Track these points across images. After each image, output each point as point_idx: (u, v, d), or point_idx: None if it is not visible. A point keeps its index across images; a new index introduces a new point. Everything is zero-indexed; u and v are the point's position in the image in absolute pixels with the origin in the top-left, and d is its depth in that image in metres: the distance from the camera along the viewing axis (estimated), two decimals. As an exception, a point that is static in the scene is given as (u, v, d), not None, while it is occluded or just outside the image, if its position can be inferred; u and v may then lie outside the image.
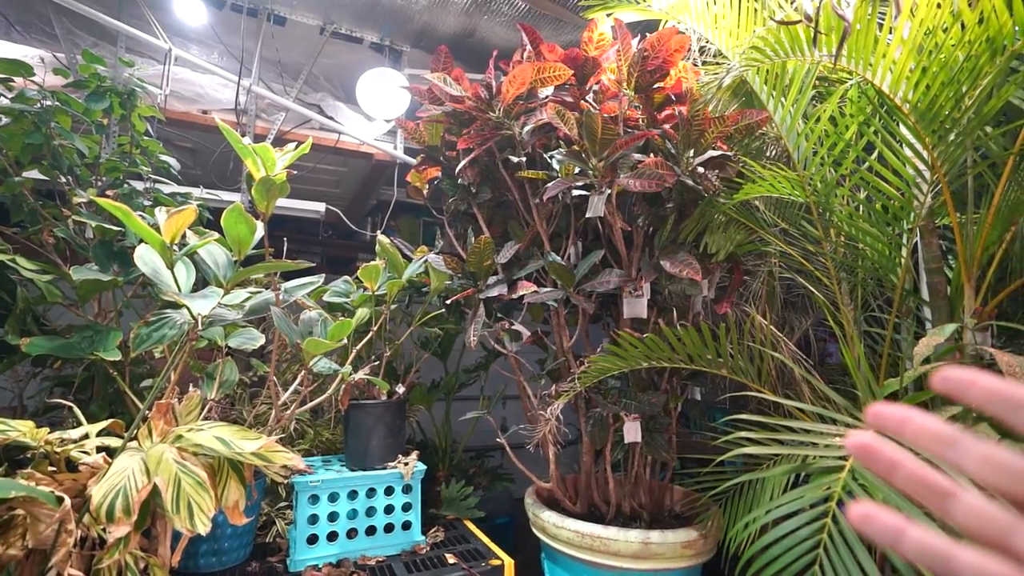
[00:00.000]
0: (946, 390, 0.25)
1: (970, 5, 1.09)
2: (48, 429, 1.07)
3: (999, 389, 0.24)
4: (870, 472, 0.26)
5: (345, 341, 1.37)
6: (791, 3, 1.39)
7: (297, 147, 1.23)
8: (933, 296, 1.31)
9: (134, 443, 1.10)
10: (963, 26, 1.09)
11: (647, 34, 1.46)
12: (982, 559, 0.23)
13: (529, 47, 1.61)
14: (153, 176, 1.77)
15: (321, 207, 2.65)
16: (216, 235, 1.20)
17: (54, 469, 1.06)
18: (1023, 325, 1.17)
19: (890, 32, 1.16)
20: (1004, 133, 1.26)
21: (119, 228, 1.45)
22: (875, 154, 1.31)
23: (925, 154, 1.19)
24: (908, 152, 1.24)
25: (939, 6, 1.11)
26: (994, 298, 1.23)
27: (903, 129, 1.24)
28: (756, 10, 1.46)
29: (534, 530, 1.69)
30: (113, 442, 1.11)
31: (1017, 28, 1.07)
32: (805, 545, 0.87)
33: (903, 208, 1.30)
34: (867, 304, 1.59)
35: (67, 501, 0.96)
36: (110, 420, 1.17)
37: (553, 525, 1.56)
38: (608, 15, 1.63)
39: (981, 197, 1.28)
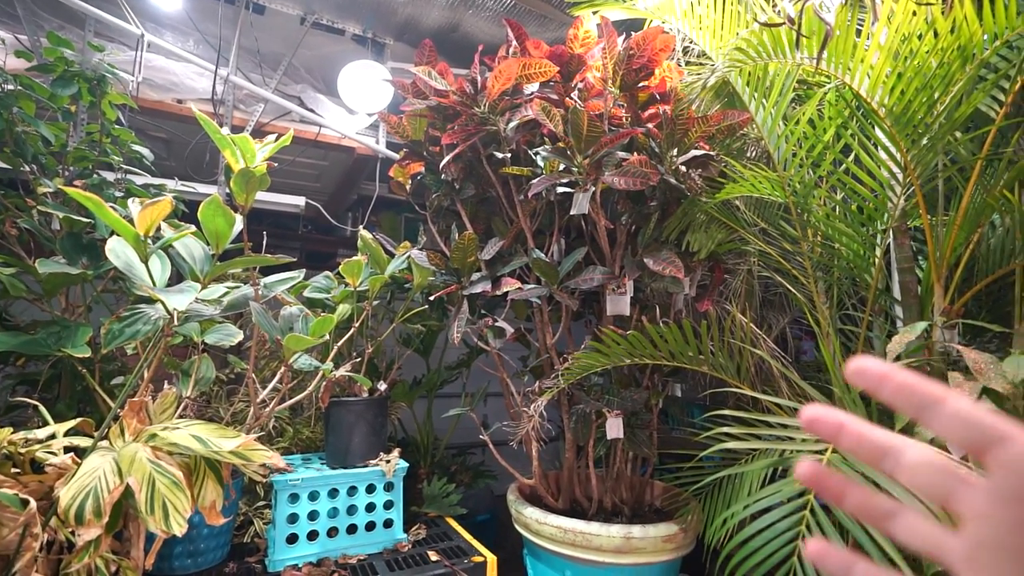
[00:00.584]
0: (861, 384, 0.26)
1: (943, 14, 1.13)
2: (11, 429, 1.03)
3: (910, 386, 0.24)
4: (824, 495, 0.28)
5: (327, 337, 1.35)
6: (773, 6, 1.42)
7: (277, 139, 1.20)
8: (904, 295, 1.35)
9: (105, 443, 1.06)
10: (936, 34, 1.13)
11: (632, 33, 1.47)
12: None
13: (515, 43, 1.60)
14: (125, 167, 1.71)
15: (301, 201, 2.60)
16: (193, 228, 1.17)
17: (18, 471, 1.02)
18: (988, 323, 1.22)
19: (868, 38, 1.19)
20: (972, 139, 1.31)
21: (88, 220, 1.39)
22: (852, 156, 1.34)
23: (899, 157, 1.23)
24: (883, 155, 1.28)
25: (914, 14, 1.15)
26: (961, 297, 1.27)
27: (879, 132, 1.28)
28: (740, 13, 1.48)
29: (517, 526, 1.70)
30: (82, 442, 1.07)
31: (986, 37, 1.11)
32: (784, 537, 0.90)
33: (877, 209, 1.34)
34: (842, 303, 1.63)
35: (32, 504, 0.92)
36: (79, 419, 1.13)
37: (536, 521, 1.57)
38: (594, 13, 1.64)
39: (950, 200, 1.33)
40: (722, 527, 1.14)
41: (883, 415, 1.21)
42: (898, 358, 1.12)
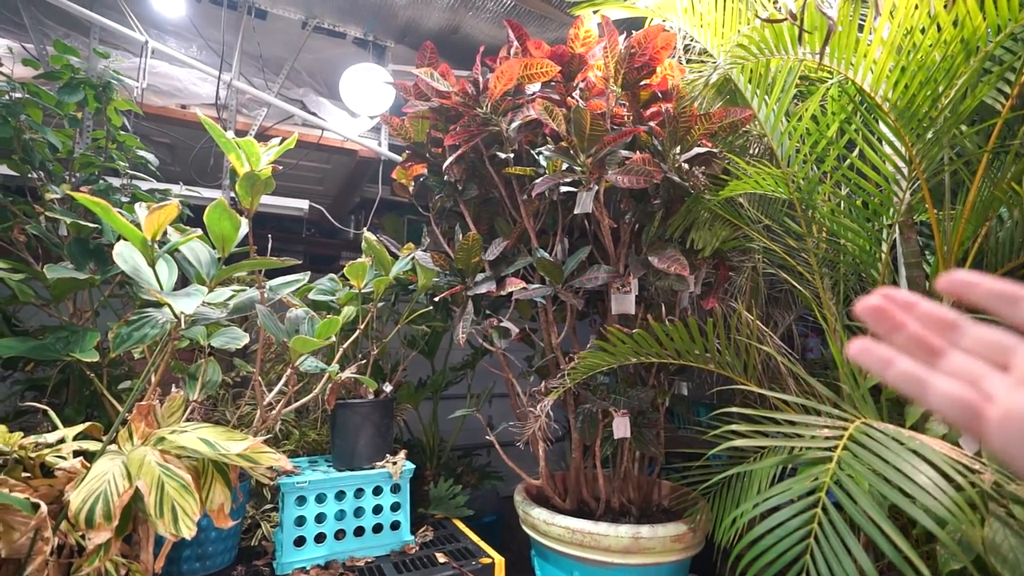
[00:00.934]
0: (952, 290, 0.29)
1: (946, 7, 1.12)
2: (21, 433, 1.04)
3: (998, 287, 0.28)
4: (880, 330, 0.31)
5: (332, 339, 1.35)
6: (774, 3, 1.42)
7: (281, 143, 1.20)
8: (912, 290, 1.34)
9: (114, 446, 1.07)
10: (939, 27, 1.12)
11: (633, 32, 1.47)
12: (951, 384, 0.27)
13: (516, 43, 1.60)
14: (131, 172, 1.72)
15: (304, 204, 2.61)
16: (198, 232, 1.17)
17: (28, 475, 1.02)
18: (996, 317, 1.21)
19: (870, 33, 1.19)
20: (978, 132, 1.30)
21: (95, 225, 1.40)
22: (856, 151, 1.34)
23: (904, 151, 1.22)
24: (888, 149, 1.27)
25: (917, 8, 1.14)
26: (969, 292, 1.26)
27: (883, 127, 1.27)
28: (741, 9, 1.48)
29: (524, 527, 1.69)
30: (91, 446, 1.07)
31: (990, 30, 1.10)
32: (796, 536, 0.89)
33: (883, 204, 1.33)
34: (848, 299, 1.62)
35: (43, 507, 0.92)
36: (88, 423, 1.13)
37: (543, 522, 1.56)
38: (594, 12, 1.64)
39: (957, 194, 1.32)
40: (731, 526, 1.13)
41: (892, 407, 1.20)
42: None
